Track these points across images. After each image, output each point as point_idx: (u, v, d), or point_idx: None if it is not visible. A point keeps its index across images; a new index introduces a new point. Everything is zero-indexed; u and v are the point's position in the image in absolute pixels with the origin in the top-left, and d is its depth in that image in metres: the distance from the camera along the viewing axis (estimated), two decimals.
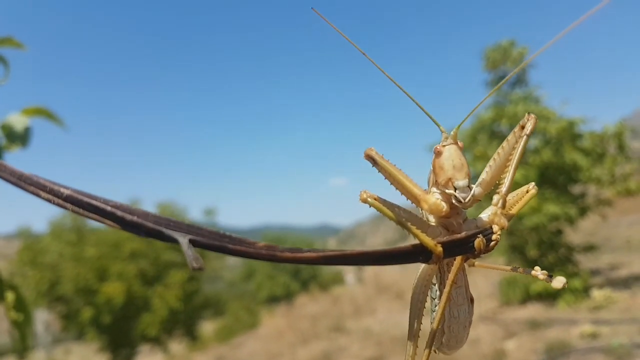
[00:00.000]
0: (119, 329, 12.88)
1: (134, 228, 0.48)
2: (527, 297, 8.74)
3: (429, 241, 0.49)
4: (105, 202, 0.48)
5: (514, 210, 0.57)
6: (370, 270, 14.83)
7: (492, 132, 8.93)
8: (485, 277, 11.52)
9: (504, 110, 8.66)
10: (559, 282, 0.54)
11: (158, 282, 13.43)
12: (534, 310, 8.36)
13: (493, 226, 0.52)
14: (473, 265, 0.59)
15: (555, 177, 8.48)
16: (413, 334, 0.60)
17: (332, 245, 38.06)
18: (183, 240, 0.46)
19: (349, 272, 21.63)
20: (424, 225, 0.55)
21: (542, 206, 8.02)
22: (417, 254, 0.50)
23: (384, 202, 0.52)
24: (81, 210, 0.49)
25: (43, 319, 14.88)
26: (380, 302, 11.39)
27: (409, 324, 0.60)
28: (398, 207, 0.53)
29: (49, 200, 0.50)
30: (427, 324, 0.61)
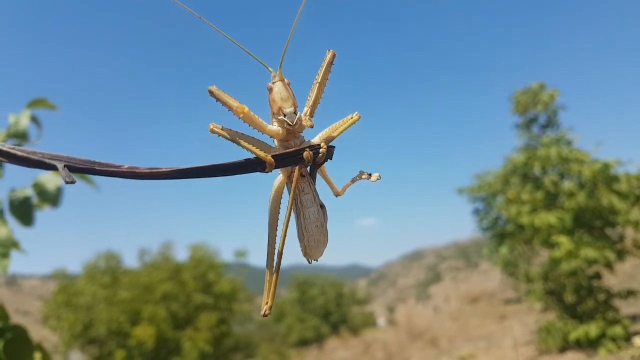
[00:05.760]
0: None
1: (23, 161, 0.61)
2: (566, 345, 8.43)
3: (261, 153, 0.63)
4: (2, 145, 0.62)
5: (336, 133, 0.70)
6: (402, 314, 14.54)
7: (524, 175, 8.83)
8: (522, 323, 11.17)
9: (535, 154, 8.59)
10: (374, 176, 0.75)
11: (188, 325, 13.42)
12: (573, 359, 8.05)
13: (321, 144, 0.66)
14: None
15: (591, 221, 8.29)
16: (270, 239, 0.71)
17: (362, 286, 37.48)
18: (59, 165, 0.60)
19: (380, 316, 21.20)
20: (265, 146, 0.68)
21: (579, 250, 7.83)
22: (255, 164, 0.64)
23: (229, 131, 0.64)
24: None
25: None
26: (413, 349, 11.11)
27: (268, 230, 0.72)
28: (242, 134, 0.65)
29: None
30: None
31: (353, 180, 0.79)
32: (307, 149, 0.65)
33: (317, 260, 0.75)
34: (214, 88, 0.64)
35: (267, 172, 0.64)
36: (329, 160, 0.68)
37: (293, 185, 0.67)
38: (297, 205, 0.71)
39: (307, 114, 0.69)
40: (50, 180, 1.82)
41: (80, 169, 0.61)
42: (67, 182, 0.59)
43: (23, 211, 1.75)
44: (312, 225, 0.71)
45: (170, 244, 14.77)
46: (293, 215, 0.72)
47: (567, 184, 8.53)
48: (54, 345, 13.17)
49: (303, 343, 19.45)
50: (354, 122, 0.71)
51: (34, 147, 0.65)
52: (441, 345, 11.14)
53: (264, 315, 0.69)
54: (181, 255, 18.25)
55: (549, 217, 8.01)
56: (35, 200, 1.81)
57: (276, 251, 0.70)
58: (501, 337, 10.60)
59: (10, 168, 1.80)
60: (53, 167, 0.60)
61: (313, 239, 0.72)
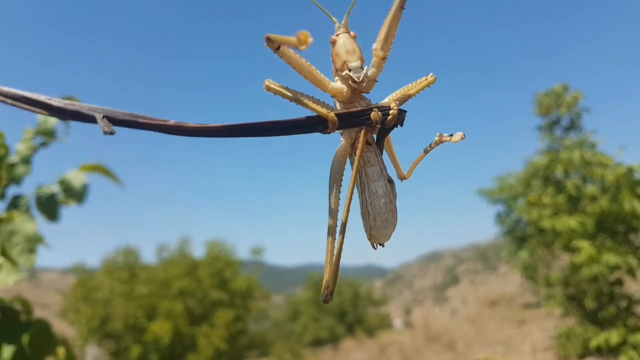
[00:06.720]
0: None
1: (60, 112, 0.59)
2: (586, 351, 8.28)
3: (323, 111, 0.56)
4: (38, 96, 0.60)
5: (412, 91, 0.63)
6: (419, 316, 14.44)
7: (546, 178, 8.70)
8: (541, 328, 11.02)
9: (558, 156, 8.46)
10: (458, 135, 0.67)
11: (204, 321, 13.50)
12: None
13: (391, 104, 0.58)
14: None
15: (614, 226, 8.13)
16: (332, 210, 0.63)
17: (377, 287, 37.37)
18: (98, 116, 0.57)
19: (396, 318, 21.08)
20: (327, 106, 0.60)
21: (600, 256, 7.69)
22: (316, 123, 0.57)
23: (286, 88, 0.58)
24: (18, 103, 0.61)
25: (93, 354, 15.16)
26: (430, 353, 11.03)
27: (329, 201, 0.64)
28: (300, 92, 0.58)
29: None
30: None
31: (426, 151, 0.70)
32: (376, 110, 0.58)
33: (383, 245, 0.67)
34: (270, 35, 0.56)
35: (328, 133, 0.58)
36: (399, 126, 0.61)
37: (358, 151, 0.60)
38: (361, 178, 0.64)
39: (378, 48, 0.60)
40: (77, 177, 1.83)
41: (121, 121, 0.57)
42: (105, 133, 0.55)
43: (49, 207, 1.77)
44: (379, 201, 0.63)
45: (187, 240, 14.89)
46: (356, 190, 0.65)
47: (590, 188, 8.38)
48: (72, 338, 13.35)
49: (318, 343, 19.43)
50: (429, 84, 0.63)
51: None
52: (458, 348, 11.02)
53: (324, 302, 0.61)
54: (198, 251, 18.38)
55: (570, 221, 7.88)
56: (61, 196, 1.82)
57: (337, 232, 0.61)
58: (520, 342, 10.47)
59: (37, 164, 1.81)
60: (91, 119, 0.57)
61: (380, 218, 0.63)
